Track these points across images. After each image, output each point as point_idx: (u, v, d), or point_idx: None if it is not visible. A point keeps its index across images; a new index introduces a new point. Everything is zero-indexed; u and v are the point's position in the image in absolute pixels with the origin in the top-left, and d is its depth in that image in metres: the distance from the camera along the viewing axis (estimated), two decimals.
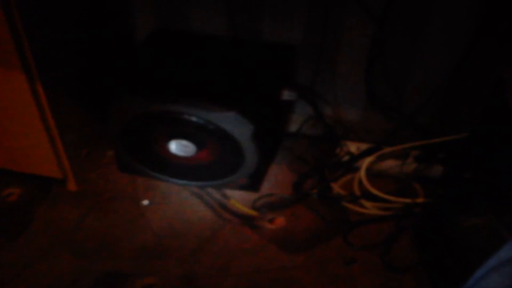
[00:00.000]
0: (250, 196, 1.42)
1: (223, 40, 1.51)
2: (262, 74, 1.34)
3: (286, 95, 1.35)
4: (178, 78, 1.31)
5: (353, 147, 1.51)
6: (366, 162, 1.43)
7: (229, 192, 1.44)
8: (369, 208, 1.39)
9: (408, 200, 1.38)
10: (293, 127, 1.63)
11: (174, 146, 1.32)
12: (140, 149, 1.37)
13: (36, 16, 1.10)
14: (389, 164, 1.46)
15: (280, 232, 1.33)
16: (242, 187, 1.41)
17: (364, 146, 1.50)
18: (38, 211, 1.38)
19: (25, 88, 1.15)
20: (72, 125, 1.33)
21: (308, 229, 1.34)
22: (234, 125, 1.22)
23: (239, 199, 1.41)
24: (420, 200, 1.38)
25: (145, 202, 1.41)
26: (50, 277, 1.21)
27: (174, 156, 1.35)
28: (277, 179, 1.49)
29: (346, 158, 1.50)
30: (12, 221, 1.36)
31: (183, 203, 1.42)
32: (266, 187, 1.46)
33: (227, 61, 1.40)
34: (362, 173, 1.42)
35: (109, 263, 1.24)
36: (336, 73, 1.51)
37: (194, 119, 1.22)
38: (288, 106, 1.57)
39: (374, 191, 1.39)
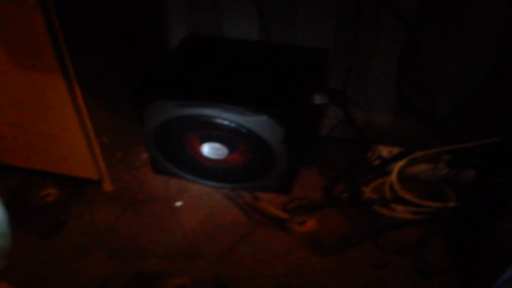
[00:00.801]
0: (281, 198, 1.42)
1: (255, 45, 1.52)
2: (294, 78, 1.34)
3: (318, 99, 1.35)
4: (210, 82, 1.32)
5: (385, 151, 1.49)
6: (398, 166, 1.42)
7: (260, 194, 1.44)
8: (400, 212, 1.38)
9: (439, 204, 1.36)
10: (324, 131, 1.63)
11: (207, 149, 1.34)
12: (174, 151, 1.39)
13: (74, 21, 1.12)
14: (421, 168, 1.45)
15: (311, 235, 1.33)
16: (273, 190, 1.42)
17: (395, 150, 1.49)
18: (74, 211, 1.41)
19: (63, 92, 1.18)
20: (108, 128, 1.35)
21: (339, 232, 1.34)
22: (266, 129, 1.24)
23: (270, 202, 1.42)
24: (451, 204, 1.37)
25: (178, 204, 1.43)
26: (84, 277, 1.23)
27: (207, 159, 1.37)
28: (308, 183, 1.49)
29: (377, 162, 1.49)
30: (49, 221, 1.38)
31: (215, 205, 1.42)
32: (297, 190, 1.46)
33: (259, 65, 1.40)
34: (393, 177, 1.41)
35: (142, 263, 1.26)
36: (368, 77, 1.50)
37: (226, 122, 1.24)
38: (320, 110, 1.57)
39: (405, 195, 1.38)
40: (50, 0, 1.02)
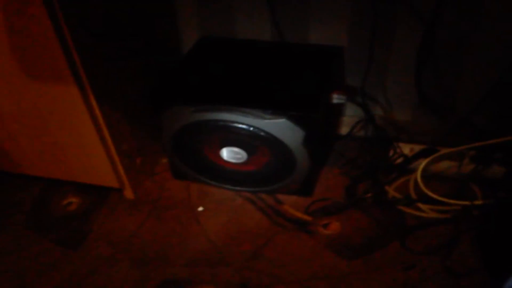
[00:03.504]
0: (303, 201, 1.40)
1: (269, 45, 1.50)
2: (310, 77, 1.33)
3: (336, 98, 1.32)
4: (226, 85, 1.31)
5: (406, 149, 1.47)
6: (422, 164, 1.39)
7: (282, 197, 1.42)
8: (426, 211, 1.35)
9: (466, 202, 1.32)
10: (343, 130, 1.61)
11: (226, 153, 1.34)
12: (193, 156, 1.39)
13: (85, 29, 1.12)
14: (445, 165, 1.42)
15: (335, 238, 1.31)
16: (295, 192, 1.40)
17: (417, 148, 1.46)
18: (97, 220, 1.41)
19: (79, 101, 1.18)
20: (127, 135, 1.35)
21: (364, 234, 1.32)
22: (285, 131, 1.22)
23: (292, 204, 1.40)
24: (478, 202, 1.33)
25: (200, 209, 1.42)
26: (110, 286, 1.23)
27: (226, 163, 1.36)
28: (330, 183, 1.47)
29: (399, 160, 1.46)
30: (72, 230, 1.38)
31: (237, 209, 1.41)
32: (319, 191, 1.44)
33: (274, 66, 1.39)
34: (418, 175, 1.38)
35: (167, 270, 1.25)
36: (386, 73, 1.48)
37: (244, 127, 1.23)
38: (338, 109, 1.54)
39: (431, 194, 1.34)
40: (58, 10, 1.02)
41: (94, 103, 1.19)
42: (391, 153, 1.48)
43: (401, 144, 1.48)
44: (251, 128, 1.23)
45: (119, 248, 1.32)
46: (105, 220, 1.41)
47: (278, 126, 1.21)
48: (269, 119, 1.21)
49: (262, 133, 1.23)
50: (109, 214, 1.42)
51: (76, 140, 1.29)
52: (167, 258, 1.29)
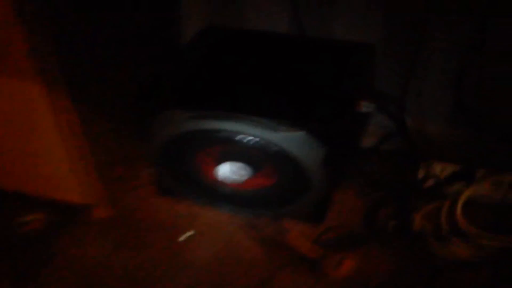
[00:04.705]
0: (312, 229, 1.26)
1: (285, 38, 1.38)
2: (334, 81, 1.20)
3: (365, 106, 1.21)
4: (232, 87, 1.19)
5: (438, 168, 1.33)
6: (466, 191, 1.26)
7: (287, 223, 1.28)
8: (461, 247, 1.20)
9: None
10: (365, 142, 1.48)
11: (225, 169, 1.20)
12: (184, 170, 1.27)
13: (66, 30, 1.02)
14: (485, 190, 1.28)
15: (349, 282, 1.16)
16: (303, 218, 1.27)
17: (450, 168, 1.33)
18: (59, 244, 1.26)
19: (40, 99, 1.05)
20: (102, 140, 1.23)
21: (384, 276, 1.17)
22: (303, 148, 1.08)
23: (298, 233, 1.25)
24: None
25: (188, 234, 1.28)
26: None
27: (225, 180, 1.23)
28: (346, 206, 1.32)
29: (430, 182, 1.33)
30: (29, 257, 1.23)
31: (232, 237, 1.27)
32: (331, 217, 1.28)
33: (291, 65, 1.26)
34: (459, 205, 1.23)
35: None
36: (421, 77, 1.36)
37: (252, 139, 1.09)
38: (364, 118, 1.41)
39: (467, 226, 1.21)
40: None
41: (61, 101, 1.06)
42: (420, 173, 1.34)
43: (434, 163, 1.35)
44: (260, 142, 1.09)
45: (85, 282, 1.17)
46: (71, 244, 1.25)
47: (294, 140, 1.07)
48: (284, 131, 1.07)
49: (273, 148, 1.09)
50: (76, 237, 1.27)
51: (42, 146, 1.16)
52: None
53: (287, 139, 1.07)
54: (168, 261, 1.20)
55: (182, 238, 1.26)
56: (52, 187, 1.26)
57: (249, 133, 1.08)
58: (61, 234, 1.28)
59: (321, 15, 1.34)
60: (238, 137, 1.09)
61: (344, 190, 1.36)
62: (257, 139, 1.08)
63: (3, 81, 1.03)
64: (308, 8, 1.34)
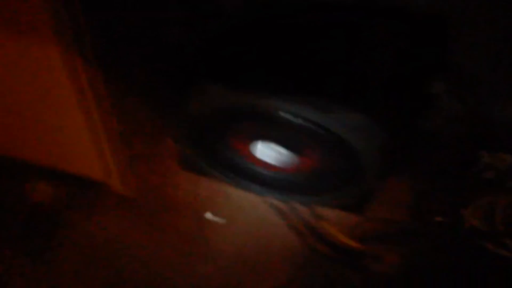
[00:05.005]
0: (350, 218, 1.15)
1: (341, 8, 1.19)
2: (401, 57, 1.05)
3: (436, 87, 1.09)
4: (280, 61, 1.04)
5: (501, 159, 1.20)
6: None
7: (321, 210, 1.17)
8: None
9: None
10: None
11: (262, 150, 1.09)
12: (214, 146, 1.16)
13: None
14: None
15: (391, 276, 1.09)
16: (344, 208, 1.15)
17: (509, 158, 1.20)
18: (73, 219, 1.16)
19: (57, 63, 0.93)
20: (125, 112, 1.12)
21: (429, 274, 1.09)
22: (359, 133, 0.95)
23: (334, 222, 1.15)
24: None
25: (209, 215, 1.17)
26: None
27: (258, 161, 1.11)
28: (390, 196, 1.20)
29: (490, 174, 1.20)
30: (40, 230, 1.15)
31: (260, 222, 1.17)
32: (374, 206, 1.16)
33: (349, 39, 1.09)
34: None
35: None
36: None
37: (299, 120, 0.96)
38: (429, 100, 1.27)
39: None
40: None
41: (79, 66, 0.94)
42: (481, 163, 1.22)
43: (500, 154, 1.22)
44: (308, 124, 0.96)
45: (97, 260, 1.11)
46: (82, 220, 1.16)
47: (351, 125, 0.94)
48: (338, 113, 0.94)
49: (321, 131, 0.96)
50: (89, 213, 1.18)
51: (54, 113, 1.04)
52: (159, 284, 1.08)
53: (341, 122, 0.94)
54: (188, 248, 1.11)
55: (207, 216, 1.16)
56: (69, 160, 1.17)
57: (296, 112, 0.96)
58: (74, 209, 1.18)
59: None
60: (283, 116, 0.97)
61: (392, 178, 1.24)
62: (305, 120, 0.96)
63: (28, 49, 0.92)
64: None
